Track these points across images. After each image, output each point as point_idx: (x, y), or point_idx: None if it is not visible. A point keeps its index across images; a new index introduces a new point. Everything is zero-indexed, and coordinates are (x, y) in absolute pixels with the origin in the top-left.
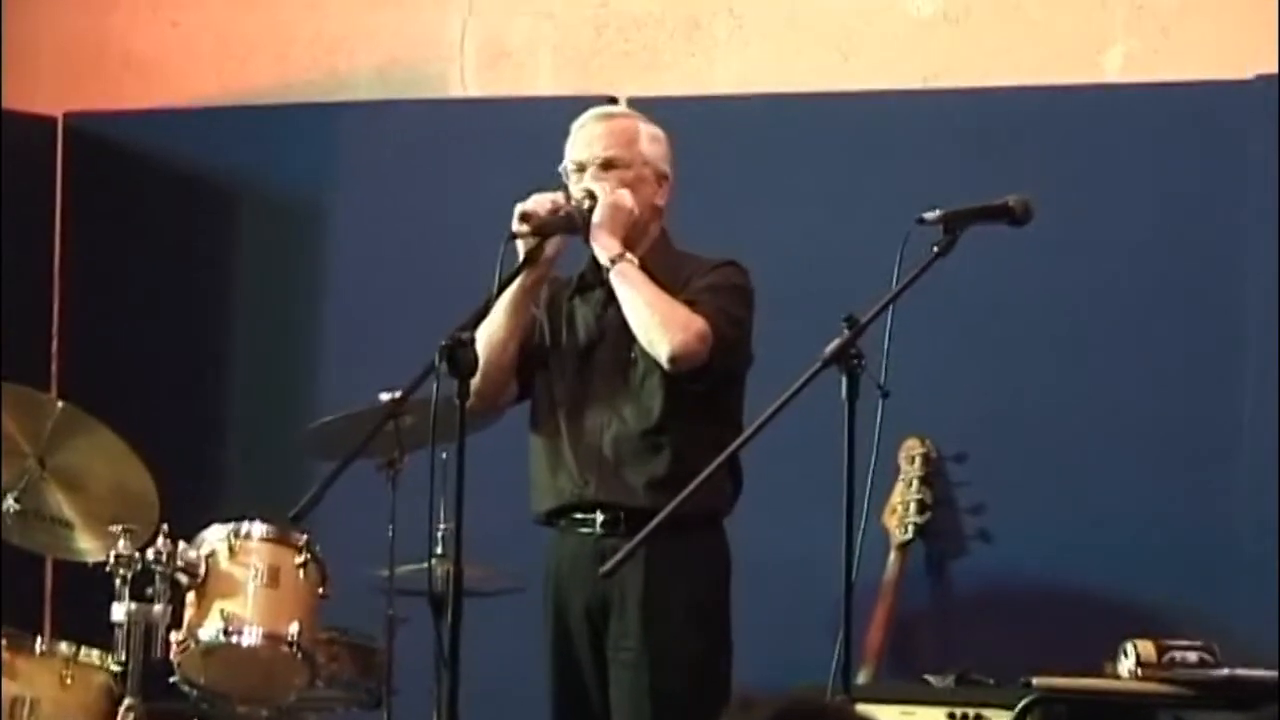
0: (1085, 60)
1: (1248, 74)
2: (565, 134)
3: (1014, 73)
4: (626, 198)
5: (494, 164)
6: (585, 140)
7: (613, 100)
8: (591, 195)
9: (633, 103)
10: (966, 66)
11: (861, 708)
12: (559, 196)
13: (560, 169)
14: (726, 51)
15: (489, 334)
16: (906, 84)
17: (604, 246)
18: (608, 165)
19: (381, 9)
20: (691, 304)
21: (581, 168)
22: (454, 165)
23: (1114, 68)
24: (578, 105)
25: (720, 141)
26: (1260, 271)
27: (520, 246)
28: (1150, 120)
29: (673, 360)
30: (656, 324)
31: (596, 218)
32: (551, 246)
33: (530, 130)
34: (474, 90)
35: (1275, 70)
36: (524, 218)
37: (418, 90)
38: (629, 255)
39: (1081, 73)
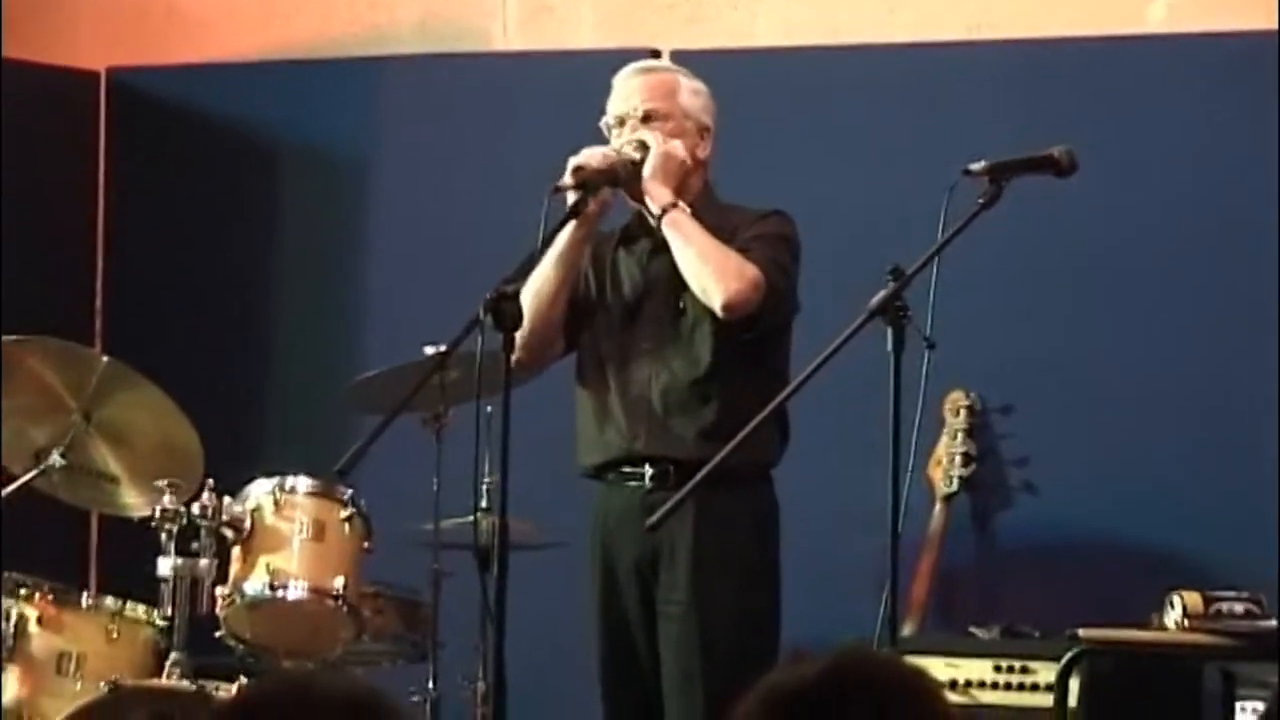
0: (1129, 10)
1: None
2: (607, 87)
3: (1058, 24)
4: (679, 147)
5: (536, 117)
6: (625, 94)
7: (655, 54)
8: (644, 145)
9: (675, 56)
10: (1011, 18)
11: (910, 660)
12: (610, 149)
13: (601, 123)
14: (769, 4)
15: (537, 288)
16: (951, 35)
17: (656, 196)
18: (647, 118)
19: None
20: (741, 252)
21: (621, 121)
22: (496, 119)
23: (1158, 18)
24: (619, 58)
25: (764, 95)
26: None
27: (569, 199)
28: (1194, 71)
29: (727, 308)
30: (710, 272)
31: (648, 168)
32: (599, 200)
33: (572, 83)
34: (516, 44)
35: None
36: (576, 170)
37: (459, 44)
38: (681, 204)
39: (1126, 23)
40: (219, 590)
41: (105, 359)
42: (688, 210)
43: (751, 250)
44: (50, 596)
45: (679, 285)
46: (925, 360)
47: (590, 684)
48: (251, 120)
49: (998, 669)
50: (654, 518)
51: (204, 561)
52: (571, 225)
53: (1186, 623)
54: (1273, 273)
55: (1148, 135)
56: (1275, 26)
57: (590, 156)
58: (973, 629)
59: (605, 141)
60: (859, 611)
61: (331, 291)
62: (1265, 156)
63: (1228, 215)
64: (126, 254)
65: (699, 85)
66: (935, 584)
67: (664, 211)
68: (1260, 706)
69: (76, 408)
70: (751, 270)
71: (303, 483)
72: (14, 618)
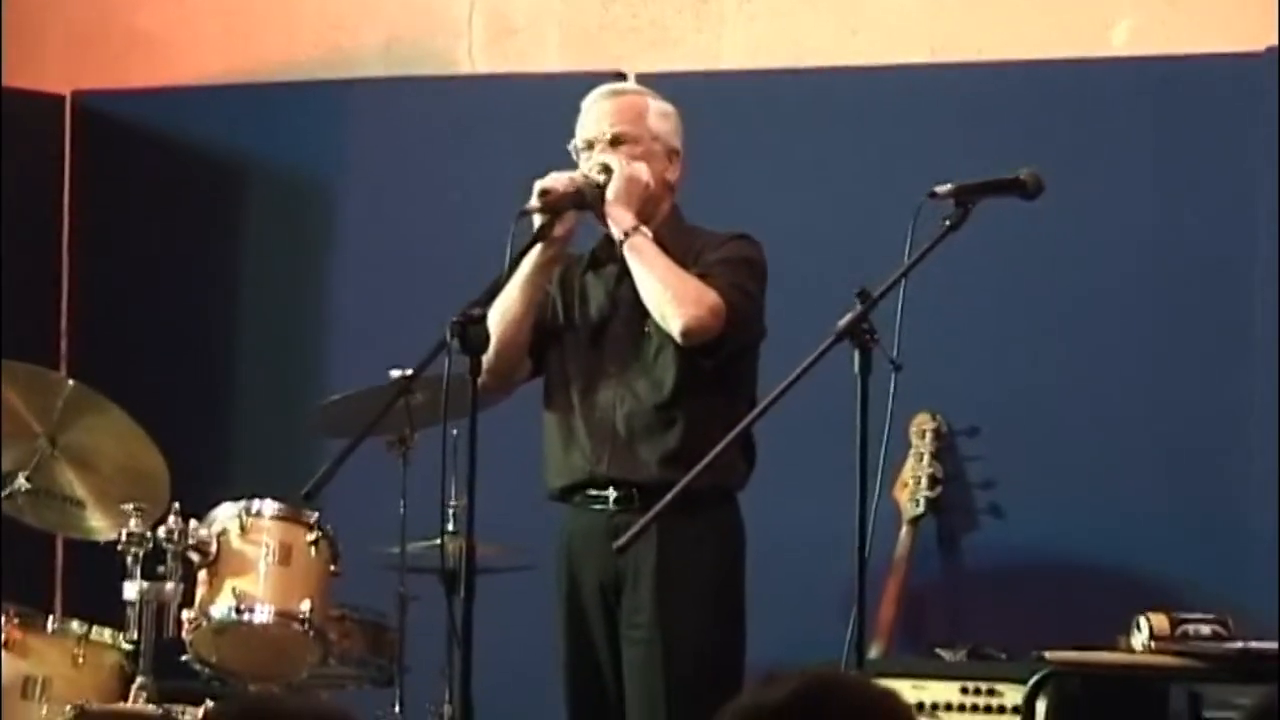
0: (1093, 34)
1: (1256, 47)
2: (573, 109)
3: (1022, 46)
4: (643, 171)
5: (501, 140)
6: (594, 117)
7: (620, 76)
8: (607, 169)
9: (640, 78)
10: (974, 40)
11: (879, 681)
12: (577, 173)
13: (570, 147)
14: (734, 26)
15: (503, 311)
16: (915, 58)
17: (618, 220)
18: (616, 141)
19: None
20: (704, 277)
21: (591, 145)
22: (461, 141)
23: (1121, 41)
24: (585, 81)
25: (728, 117)
26: (1269, 246)
27: (535, 222)
28: (1158, 93)
29: (685, 334)
30: (669, 298)
31: (611, 191)
32: (564, 223)
33: (538, 106)
34: (481, 66)
35: None
36: (542, 193)
37: (425, 67)
38: (643, 229)
39: (1090, 46)
40: (185, 614)
41: (70, 383)
42: (649, 235)
43: (714, 274)
44: (15, 620)
45: (644, 310)
46: (892, 382)
47: (556, 707)
48: (216, 143)
49: (965, 691)
50: (621, 540)
51: (170, 585)
52: (538, 248)
53: (1153, 644)
54: (1242, 298)
55: (1112, 157)
56: (1237, 49)
57: (556, 180)
58: (939, 651)
59: (573, 164)
60: (826, 634)
61: (297, 314)
62: (1230, 178)
63: (1193, 237)
64: (92, 277)
65: (668, 108)
66: (902, 606)
67: (626, 236)
68: None
69: (42, 431)
70: (711, 296)
71: (269, 506)
72: None
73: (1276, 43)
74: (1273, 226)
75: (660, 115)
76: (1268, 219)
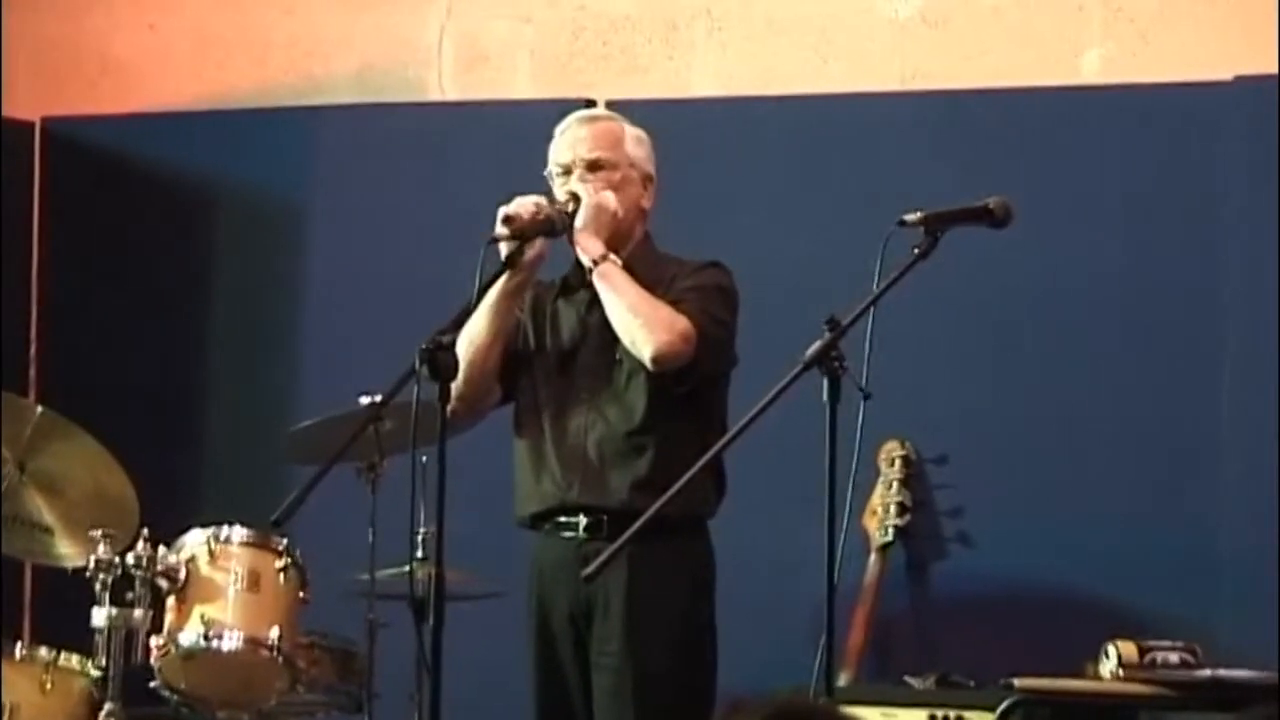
0: (1063, 63)
1: (1226, 76)
2: (544, 137)
3: (992, 75)
4: (610, 199)
5: (472, 167)
6: (570, 142)
7: (591, 104)
8: (575, 197)
9: (611, 105)
10: (945, 69)
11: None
12: (542, 199)
13: (545, 173)
14: (704, 54)
15: (471, 338)
16: (885, 86)
17: (587, 248)
18: (594, 166)
19: (359, 13)
20: (675, 304)
21: (567, 170)
22: (432, 168)
23: (1092, 70)
24: (556, 108)
25: (699, 144)
26: (1239, 273)
27: (502, 249)
28: (1128, 122)
29: (656, 361)
30: (640, 325)
31: (580, 220)
32: (533, 250)
33: (508, 133)
34: (452, 93)
35: (1252, 72)
36: (506, 220)
37: (396, 94)
38: (612, 256)
39: (1060, 75)
40: (154, 640)
41: (39, 409)
42: (619, 262)
43: (685, 302)
44: None
45: (615, 336)
46: (861, 410)
47: None
48: (187, 169)
49: (933, 718)
50: (590, 568)
51: (139, 612)
52: (506, 275)
53: (1122, 672)
54: (1210, 324)
55: (1082, 186)
56: (1206, 78)
57: (521, 207)
58: (908, 678)
59: (548, 190)
60: (795, 661)
61: (267, 341)
62: (1198, 206)
63: (1162, 266)
64: (61, 303)
65: (641, 134)
66: (871, 634)
67: (595, 264)
68: None
69: (10, 458)
70: (682, 323)
71: (238, 533)
72: None
73: (1247, 73)
74: (1246, 261)
75: (636, 141)
76: (1237, 251)
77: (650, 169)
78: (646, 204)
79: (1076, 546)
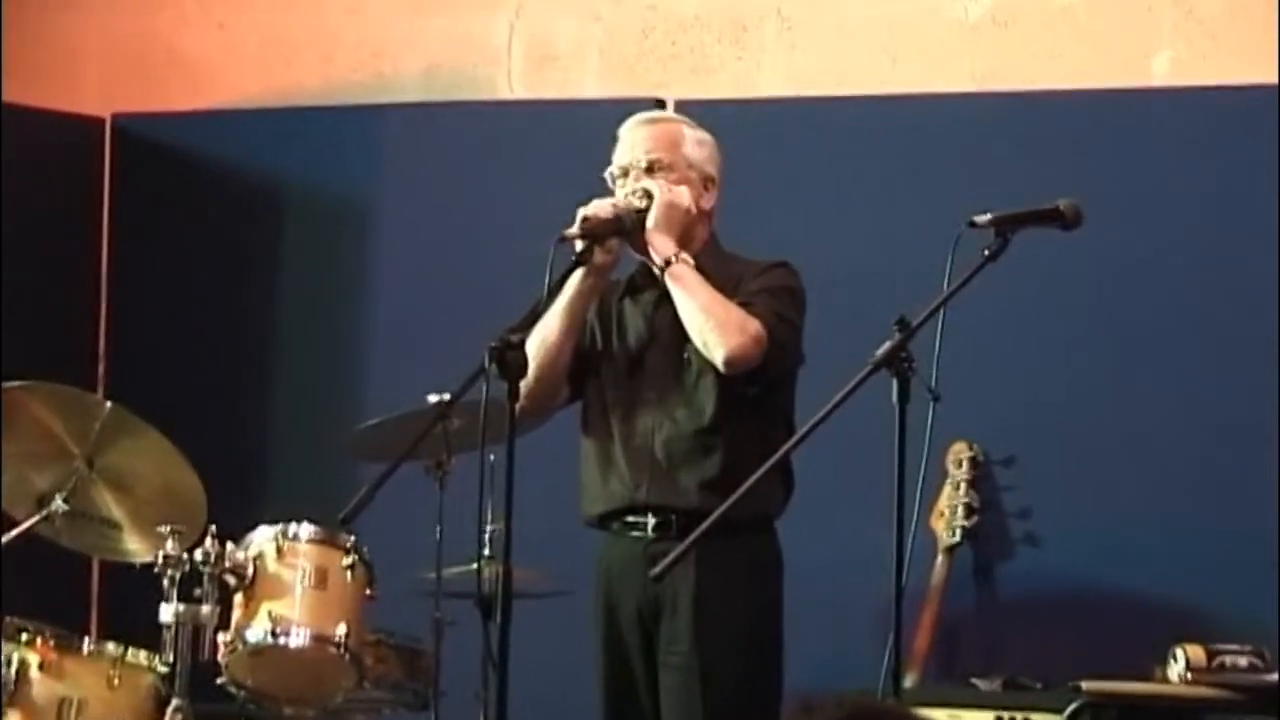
0: (1133, 64)
1: None
2: (611, 136)
3: (1063, 75)
4: (684, 196)
5: (540, 166)
6: (629, 144)
7: (660, 103)
8: (648, 194)
9: (680, 106)
10: (1015, 70)
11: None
12: (618, 199)
13: (606, 174)
14: (774, 54)
15: (543, 337)
16: (955, 87)
17: (659, 247)
18: (652, 168)
19: (428, 13)
20: (745, 305)
21: (626, 172)
22: (500, 168)
23: (1162, 72)
24: (624, 108)
25: (768, 144)
26: None
27: (577, 247)
28: (1198, 124)
29: (729, 363)
30: (712, 327)
31: (652, 218)
32: (606, 250)
33: (577, 133)
34: (521, 93)
35: None
36: (584, 220)
37: (464, 92)
38: (684, 256)
39: (1129, 76)
40: (221, 637)
41: (108, 404)
42: (690, 262)
43: (755, 303)
44: (52, 642)
45: (683, 336)
46: (930, 412)
47: None
48: (255, 166)
49: None
50: (659, 568)
51: (206, 608)
52: (579, 274)
53: (1189, 675)
54: (1274, 325)
55: (1152, 187)
56: (1275, 80)
57: (599, 207)
58: (974, 680)
59: (610, 191)
60: (861, 662)
61: (335, 339)
62: (1267, 208)
63: (1230, 268)
64: (130, 299)
65: (704, 135)
66: (937, 635)
67: (667, 263)
68: None
69: (79, 453)
70: (754, 325)
71: (305, 530)
72: (15, 663)
73: None
74: None
75: (696, 143)
76: None
77: (712, 170)
78: (707, 205)
79: (1144, 548)
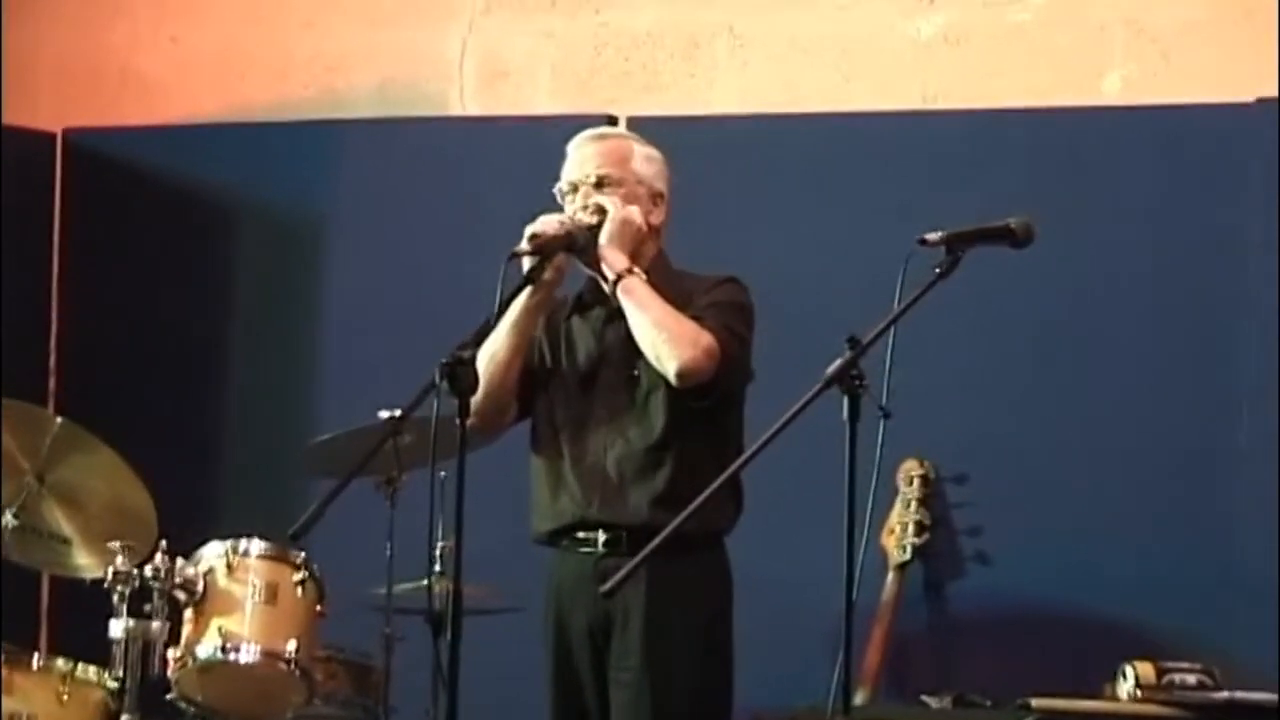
0: (1085, 83)
1: (1247, 98)
2: (563, 153)
3: (1014, 95)
4: (636, 214)
5: (493, 182)
6: (578, 160)
7: (612, 120)
8: (601, 210)
9: (632, 122)
10: (966, 88)
11: None
12: (567, 216)
13: (555, 189)
14: (726, 71)
15: (492, 353)
16: (907, 105)
17: (612, 262)
18: (601, 184)
19: (381, 28)
20: (696, 320)
21: (575, 187)
22: (453, 183)
23: (1113, 90)
24: (577, 124)
25: (720, 161)
26: (1260, 295)
27: (525, 265)
28: (1150, 143)
29: (681, 375)
30: (665, 340)
31: (605, 234)
32: (554, 266)
33: (529, 149)
34: (473, 109)
35: (1273, 94)
36: (532, 237)
37: (417, 109)
38: (637, 270)
39: (1081, 95)
40: (171, 652)
41: (59, 420)
42: (643, 276)
43: (706, 318)
44: (1, 658)
45: (633, 353)
46: (881, 429)
47: None
48: (208, 182)
49: None
50: (609, 584)
51: (156, 623)
52: (527, 291)
53: (1139, 693)
54: (1232, 346)
55: (1103, 206)
56: (1227, 99)
57: (547, 224)
58: (925, 698)
59: (561, 207)
60: (811, 679)
61: (287, 354)
62: (1220, 226)
63: (1183, 287)
64: (81, 314)
65: (653, 152)
66: (888, 653)
67: (619, 278)
68: None
69: (29, 469)
70: (707, 338)
71: (256, 545)
72: None
73: (1269, 95)
74: (1268, 282)
75: (645, 159)
76: (1258, 272)
77: (660, 186)
78: (656, 220)
79: (1095, 566)
